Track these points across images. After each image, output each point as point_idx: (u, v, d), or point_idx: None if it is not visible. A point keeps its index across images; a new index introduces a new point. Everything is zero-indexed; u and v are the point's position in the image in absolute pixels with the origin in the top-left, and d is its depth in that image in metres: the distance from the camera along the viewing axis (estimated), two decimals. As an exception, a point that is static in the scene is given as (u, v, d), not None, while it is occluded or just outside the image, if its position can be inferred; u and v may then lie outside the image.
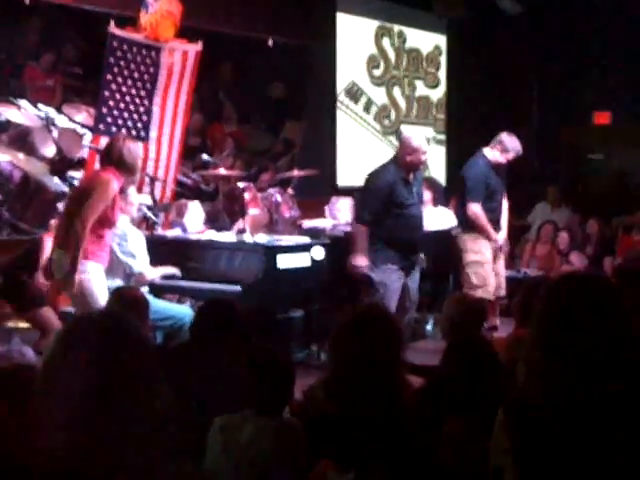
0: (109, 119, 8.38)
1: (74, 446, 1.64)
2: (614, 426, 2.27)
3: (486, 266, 7.72)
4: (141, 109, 8.67)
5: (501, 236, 7.94)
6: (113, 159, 6.08)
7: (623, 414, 2.28)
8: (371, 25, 11.52)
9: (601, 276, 2.72)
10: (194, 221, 7.87)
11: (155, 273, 6.77)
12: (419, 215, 7.24)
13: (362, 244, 7.03)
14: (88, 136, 8.64)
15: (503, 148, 7.78)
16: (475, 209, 7.66)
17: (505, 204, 8.05)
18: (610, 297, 2.41)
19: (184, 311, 6.58)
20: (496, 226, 7.83)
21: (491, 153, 7.81)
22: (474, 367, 3.44)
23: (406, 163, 7.05)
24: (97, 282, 5.93)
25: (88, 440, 1.64)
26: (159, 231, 7.68)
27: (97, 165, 7.90)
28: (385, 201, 6.97)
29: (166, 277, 6.90)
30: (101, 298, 5.81)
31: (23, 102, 8.84)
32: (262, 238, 7.32)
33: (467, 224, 7.82)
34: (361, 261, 7.01)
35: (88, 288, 5.87)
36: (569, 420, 2.28)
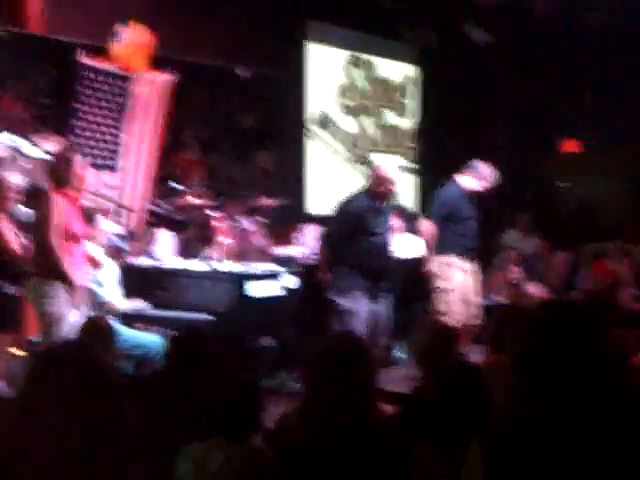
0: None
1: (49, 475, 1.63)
2: (592, 454, 2.27)
3: (453, 294, 7.73)
4: (109, 138, 8.66)
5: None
6: (52, 178, 6.12)
7: (601, 441, 2.28)
8: (341, 55, 11.58)
9: (574, 303, 2.73)
10: (164, 250, 7.85)
11: (125, 305, 6.76)
12: (386, 243, 7.32)
13: (327, 264, 7.27)
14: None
15: (480, 176, 7.82)
16: (427, 224, 7.78)
17: None
18: (584, 325, 2.42)
19: (154, 340, 6.55)
20: (469, 253, 7.84)
21: (465, 180, 7.85)
22: (464, 392, 3.42)
23: (377, 193, 7.12)
24: (66, 306, 5.93)
25: (62, 469, 1.63)
26: (129, 260, 7.64)
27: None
28: (353, 229, 7.04)
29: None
30: (69, 321, 5.81)
31: (-8, 132, 8.79)
32: (233, 266, 7.32)
33: (437, 249, 7.85)
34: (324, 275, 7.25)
35: (57, 313, 5.87)
36: (544, 448, 2.27)
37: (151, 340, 6.54)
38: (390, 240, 7.42)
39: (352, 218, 7.12)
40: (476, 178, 7.84)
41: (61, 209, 5.97)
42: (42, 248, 5.94)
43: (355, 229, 7.06)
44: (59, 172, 6.12)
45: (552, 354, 2.35)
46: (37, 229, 6.01)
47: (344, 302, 7.03)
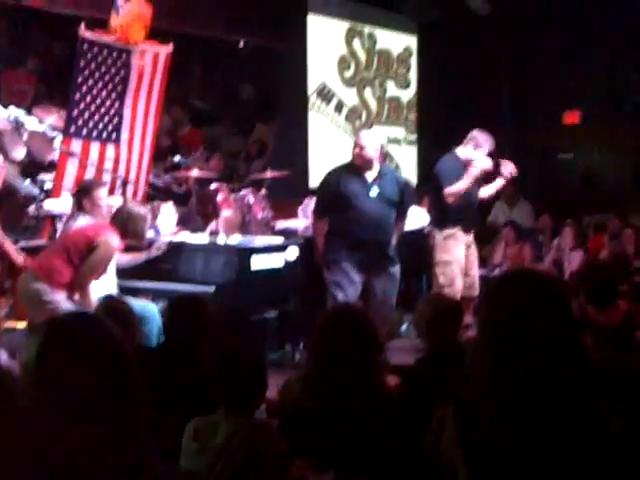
0: (80, 122, 8.34)
1: (60, 449, 1.63)
2: (558, 419, 2.30)
3: (454, 266, 7.71)
4: (112, 111, 8.64)
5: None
6: (117, 224, 6.19)
7: (564, 406, 2.31)
8: (342, 26, 11.53)
9: (542, 272, 2.74)
10: (167, 223, 7.85)
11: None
12: (377, 212, 7.07)
13: (318, 240, 7.17)
14: (58, 139, 8.59)
15: (476, 144, 7.77)
16: (450, 189, 7.59)
17: None
18: (550, 291, 2.44)
19: (151, 309, 6.51)
20: (468, 226, 7.83)
21: (463, 151, 7.82)
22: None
23: (354, 160, 7.10)
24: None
25: (73, 442, 1.64)
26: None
27: (68, 169, 8.02)
28: (334, 196, 7.02)
29: (139, 278, 6.88)
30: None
31: (-7, 105, 8.79)
32: (235, 239, 7.33)
33: (439, 222, 7.85)
34: (317, 256, 7.16)
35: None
36: (513, 415, 2.31)
37: (149, 310, 6.50)
38: (386, 211, 7.17)
39: (328, 187, 7.13)
40: (475, 146, 7.80)
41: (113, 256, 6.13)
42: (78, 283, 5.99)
43: (336, 199, 7.02)
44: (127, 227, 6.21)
45: (513, 322, 2.37)
46: (80, 260, 5.99)
47: (329, 274, 7.01)
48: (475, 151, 7.76)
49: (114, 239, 6.07)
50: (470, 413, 2.37)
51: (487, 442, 2.30)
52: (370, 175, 7.08)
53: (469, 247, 7.88)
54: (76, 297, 6.00)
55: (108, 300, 5.25)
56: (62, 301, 5.93)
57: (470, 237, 7.89)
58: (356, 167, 7.07)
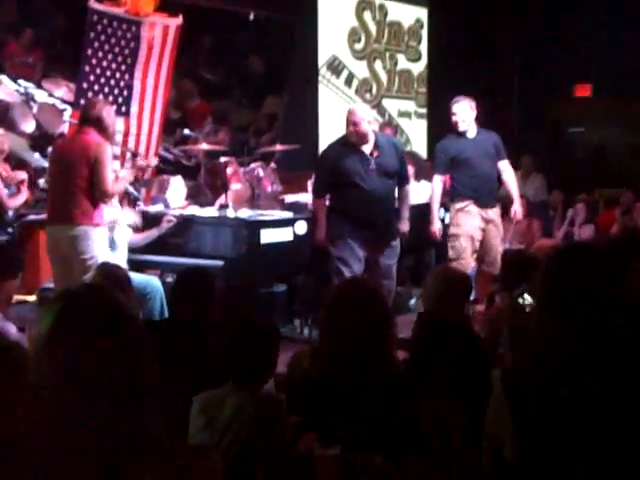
0: (90, 94, 8.33)
1: (70, 419, 1.64)
2: (613, 391, 2.30)
3: (462, 239, 7.68)
4: (122, 84, 8.63)
5: (516, 207, 8.00)
6: (91, 119, 6.10)
7: (620, 377, 2.32)
8: (352, -2, 11.47)
9: (596, 246, 2.75)
10: (176, 196, 7.85)
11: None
12: (379, 188, 6.99)
13: (320, 218, 7.09)
14: (68, 111, 8.59)
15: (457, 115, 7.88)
16: (434, 181, 7.92)
17: (511, 174, 8.08)
18: (605, 264, 2.45)
19: (155, 283, 6.53)
20: (484, 201, 7.73)
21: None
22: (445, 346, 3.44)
23: (349, 137, 7.04)
24: (100, 248, 6.00)
25: (84, 413, 1.65)
26: (141, 207, 7.65)
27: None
28: (333, 173, 6.96)
29: (148, 252, 6.90)
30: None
31: (2, 77, 8.77)
32: (245, 213, 7.33)
33: (450, 196, 7.86)
34: (319, 235, 7.05)
35: (92, 255, 5.92)
36: (568, 386, 2.32)
37: (151, 283, 6.51)
38: (388, 186, 7.13)
39: (327, 165, 7.05)
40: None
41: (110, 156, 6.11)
42: (86, 195, 5.98)
43: (335, 176, 6.96)
44: (100, 119, 6.14)
45: (572, 294, 2.39)
46: (87, 180, 5.99)
47: (334, 250, 6.97)
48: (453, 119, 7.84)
49: (105, 143, 6.08)
50: (520, 381, 2.39)
51: (540, 416, 2.32)
52: (367, 148, 7.00)
53: (489, 222, 7.77)
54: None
55: (104, 266, 5.28)
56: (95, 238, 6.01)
57: (490, 212, 7.77)
58: (352, 142, 7.01)
